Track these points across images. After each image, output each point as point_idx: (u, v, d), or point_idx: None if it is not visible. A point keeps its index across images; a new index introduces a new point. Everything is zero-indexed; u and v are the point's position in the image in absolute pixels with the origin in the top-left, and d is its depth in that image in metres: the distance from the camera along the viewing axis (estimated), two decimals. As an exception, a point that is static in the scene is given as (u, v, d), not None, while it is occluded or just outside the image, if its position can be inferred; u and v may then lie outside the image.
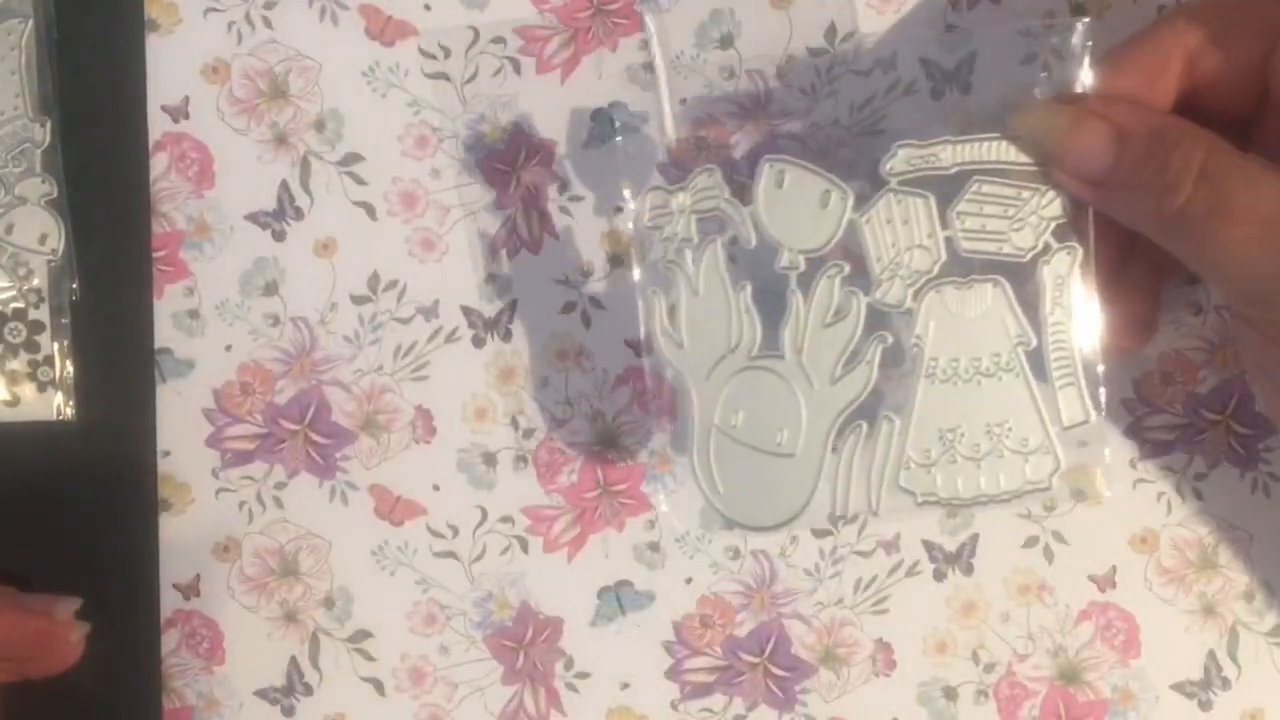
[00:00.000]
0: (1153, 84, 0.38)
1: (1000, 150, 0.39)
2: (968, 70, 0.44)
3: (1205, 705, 0.45)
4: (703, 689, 0.46)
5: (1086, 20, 0.39)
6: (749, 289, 0.39)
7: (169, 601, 0.45)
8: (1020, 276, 0.39)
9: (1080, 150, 0.38)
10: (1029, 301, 0.39)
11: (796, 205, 0.39)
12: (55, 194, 0.44)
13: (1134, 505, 0.45)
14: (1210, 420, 0.45)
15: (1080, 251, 0.39)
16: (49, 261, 0.44)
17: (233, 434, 0.46)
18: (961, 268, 0.39)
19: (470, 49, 0.45)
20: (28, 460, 0.45)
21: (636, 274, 0.41)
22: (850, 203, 0.39)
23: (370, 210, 0.45)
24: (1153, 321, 0.42)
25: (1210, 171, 0.35)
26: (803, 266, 0.39)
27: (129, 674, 0.45)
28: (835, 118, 0.44)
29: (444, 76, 0.45)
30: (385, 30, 0.45)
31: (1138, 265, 0.41)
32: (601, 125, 0.45)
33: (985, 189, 0.39)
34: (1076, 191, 0.38)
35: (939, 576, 0.45)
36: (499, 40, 0.45)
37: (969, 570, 0.45)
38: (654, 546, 0.45)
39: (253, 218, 0.45)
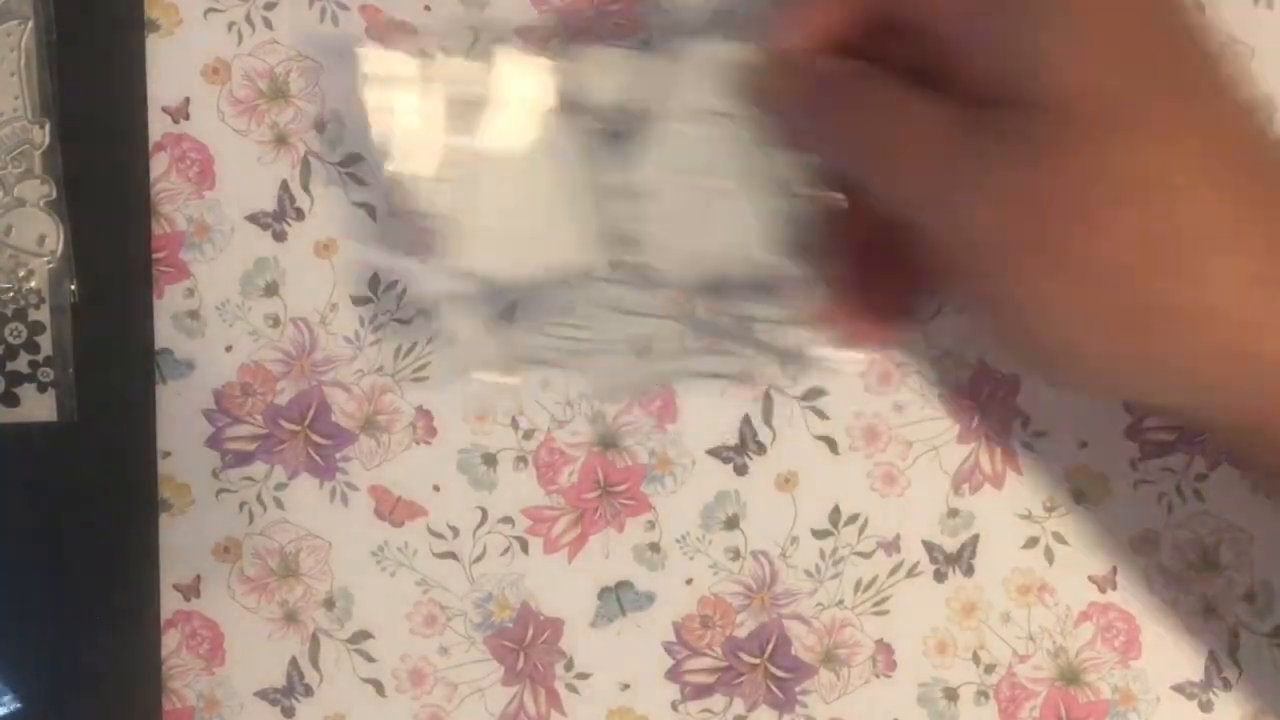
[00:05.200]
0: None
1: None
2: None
3: (1206, 706, 0.45)
4: (703, 690, 0.46)
5: None
6: None
7: (169, 602, 0.45)
8: None
9: (778, 98, 0.38)
10: None
11: None
12: (54, 195, 0.44)
13: (1134, 506, 0.45)
14: (1210, 421, 0.45)
15: None
16: (48, 263, 0.44)
17: (233, 434, 0.45)
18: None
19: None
20: (28, 460, 0.45)
21: None
22: None
23: (371, 211, 0.45)
24: (906, 313, 0.42)
25: (874, 104, 0.36)
26: None
27: (129, 674, 0.45)
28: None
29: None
30: (386, 34, 0.45)
31: (894, 250, 0.40)
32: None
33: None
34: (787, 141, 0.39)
35: (940, 577, 0.45)
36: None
37: (969, 571, 0.45)
38: (654, 547, 0.45)
39: (253, 218, 0.45)
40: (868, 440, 0.45)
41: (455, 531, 0.45)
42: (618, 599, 0.46)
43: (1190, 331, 0.34)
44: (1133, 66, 0.34)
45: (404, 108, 0.40)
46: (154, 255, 0.45)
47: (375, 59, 0.41)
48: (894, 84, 0.36)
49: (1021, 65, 0.34)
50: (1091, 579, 0.45)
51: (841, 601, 0.45)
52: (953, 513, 0.45)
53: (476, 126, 0.41)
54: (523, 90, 0.40)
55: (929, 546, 0.45)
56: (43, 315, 0.45)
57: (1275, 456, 0.36)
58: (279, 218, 0.45)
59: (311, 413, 0.45)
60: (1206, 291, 0.33)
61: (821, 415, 0.45)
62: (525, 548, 0.45)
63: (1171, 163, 0.33)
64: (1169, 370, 0.34)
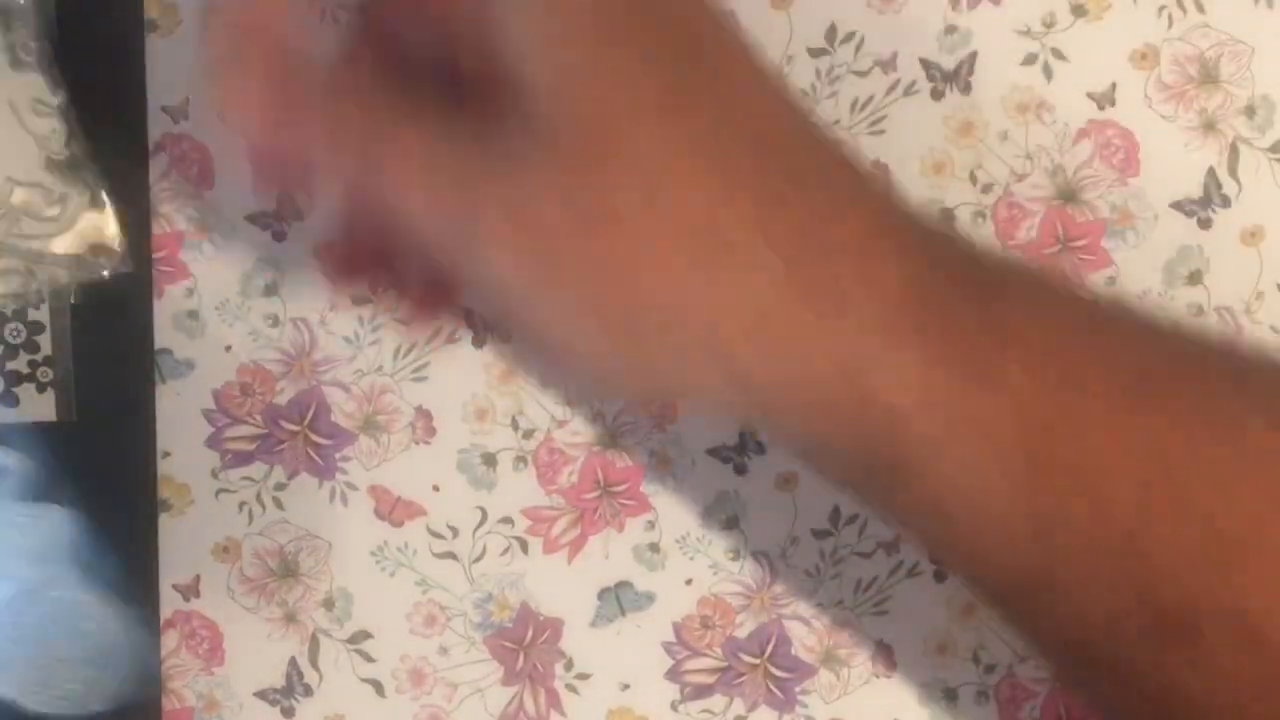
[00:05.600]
0: None
1: None
2: (968, 70, 0.44)
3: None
4: (703, 690, 0.46)
5: None
6: None
7: (169, 602, 0.45)
8: None
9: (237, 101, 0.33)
10: None
11: None
12: (55, 194, 0.44)
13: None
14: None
15: None
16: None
17: (232, 435, 0.45)
18: None
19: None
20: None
21: None
22: None
23: (370, 211, 0.45)
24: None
25: (378, 107, 0.32)
26: None
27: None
28: (835, 118, 0.44)
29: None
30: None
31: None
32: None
33: None
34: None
35: (939, 577, 0.45)
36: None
37: (969, 571, 0.45)
38: (654, 547, 0.45)
39: (253, 218, 0.45)
40: (868, 440, 0.45)
41: (455, 531, 0.45)
42: (617, 599, 0.46)
43: (670, 331, 0.31)
44: (629, 53, 0.30)
45: None
46: (154, 255, 0.45)
47: None
48: (399, 86, 0.32)
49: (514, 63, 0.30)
50: (1091, 579, 0.45)
51: (841, 602, 0.45)
52: (953, 513, 0.45)
53: None
54: None
55: (929, 546, 0.45)
56: (42, 315, 0.44)
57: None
58: (279, 218, 0.45)
59: (311, 413, 0.45)
60: (709, 288, 0.31)
61: (821, 415, 0.45)
62: (525, 548, 0.45)
63: (677, 154, 0.30)
64: (659, 372, 0.32)
